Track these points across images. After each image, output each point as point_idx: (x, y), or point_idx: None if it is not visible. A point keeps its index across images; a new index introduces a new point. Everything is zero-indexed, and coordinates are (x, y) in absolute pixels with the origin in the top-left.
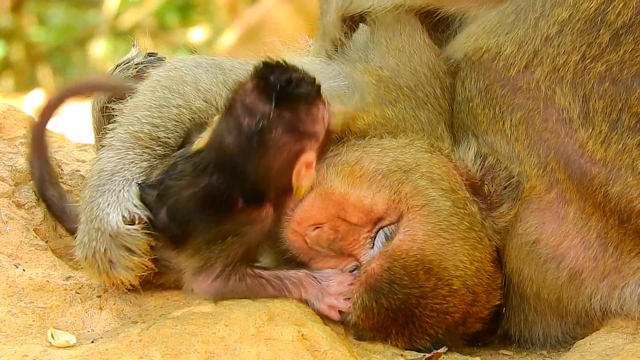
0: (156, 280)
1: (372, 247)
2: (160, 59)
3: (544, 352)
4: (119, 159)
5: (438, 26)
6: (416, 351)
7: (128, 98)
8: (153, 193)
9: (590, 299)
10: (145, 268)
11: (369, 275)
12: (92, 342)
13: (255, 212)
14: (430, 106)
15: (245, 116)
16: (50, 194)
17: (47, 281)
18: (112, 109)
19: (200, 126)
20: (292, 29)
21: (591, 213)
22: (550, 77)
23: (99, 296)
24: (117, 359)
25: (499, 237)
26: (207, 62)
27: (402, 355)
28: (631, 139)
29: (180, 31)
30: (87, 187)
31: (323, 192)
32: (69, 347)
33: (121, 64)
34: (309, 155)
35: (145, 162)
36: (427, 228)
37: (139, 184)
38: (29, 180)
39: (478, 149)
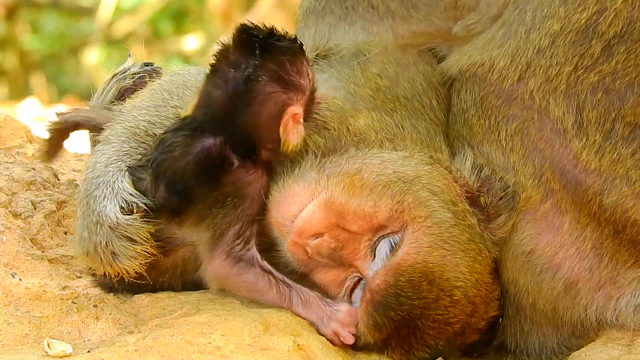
0: (165, 262)
1: (374, 258)
2: (156, 69)
3: None
4: (114, 151)
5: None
6: None
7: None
8: (146, 173)
9: (586, 310)
10: (148, 255)
11: (375, 292)
12: (89, 351)
13: (250, 171)
14: (427, 116)
15: (230, 70)
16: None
17: (44, 291)
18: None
19: None
20: None
21: (586, 223)
22: (544, 88)
23: (95, 306)
24: None
25: (497, 248)
26: None
27: None
28: (625, 148)
29: (174, 39)
30: (82, 181)
31: (323, 202)
32: (65, 356)
33: (117, 73)
34: (296, 108)
35: (140, 155)
36: (430, 239)
37: (128, 167)
38: (26, 190)
39: (474, 160)
